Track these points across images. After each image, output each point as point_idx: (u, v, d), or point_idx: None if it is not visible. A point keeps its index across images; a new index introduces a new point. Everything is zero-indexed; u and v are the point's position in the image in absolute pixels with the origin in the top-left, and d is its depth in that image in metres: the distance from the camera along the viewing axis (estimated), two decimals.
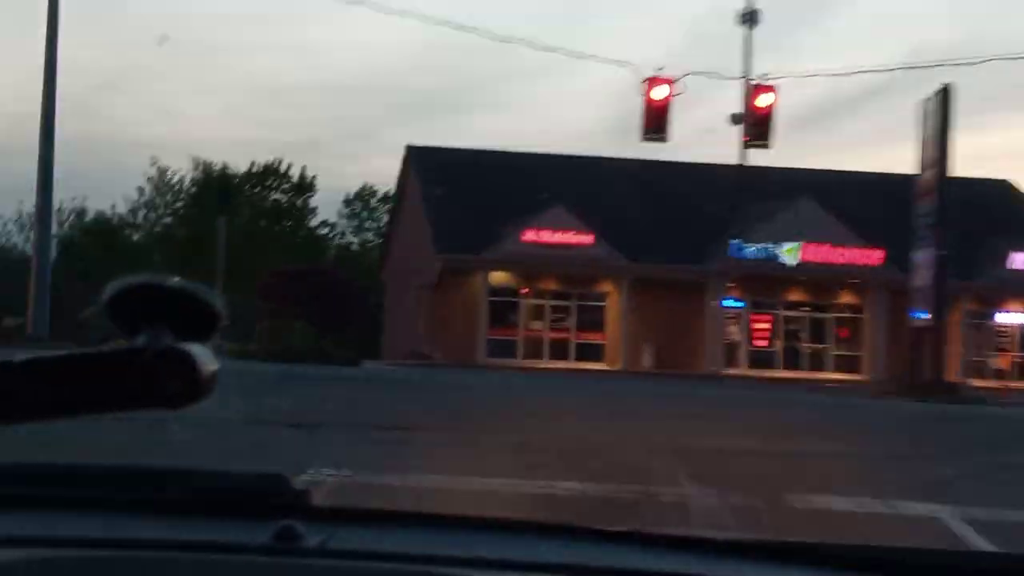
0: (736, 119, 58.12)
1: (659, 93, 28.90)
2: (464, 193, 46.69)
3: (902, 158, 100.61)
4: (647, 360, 45.12)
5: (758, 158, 52.88)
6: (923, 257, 35.41)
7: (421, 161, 49.20)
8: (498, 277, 45.30)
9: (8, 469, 1.86)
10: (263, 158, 68.01)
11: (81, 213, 66.57)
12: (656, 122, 29.31)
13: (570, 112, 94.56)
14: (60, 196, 67.72)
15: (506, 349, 44.95)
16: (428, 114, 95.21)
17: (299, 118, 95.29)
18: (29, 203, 65.59)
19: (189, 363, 1.22)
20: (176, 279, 1.26)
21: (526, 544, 1.84)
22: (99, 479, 1.85)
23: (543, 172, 47.75)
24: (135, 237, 64.86)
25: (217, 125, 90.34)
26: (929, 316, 34.75)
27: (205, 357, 1.24)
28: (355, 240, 71.97)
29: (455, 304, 44.94)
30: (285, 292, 32.39)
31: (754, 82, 30.13)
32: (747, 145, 31.28)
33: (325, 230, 71.12)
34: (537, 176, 47.44)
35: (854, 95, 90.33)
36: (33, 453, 2.03)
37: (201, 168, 61.51)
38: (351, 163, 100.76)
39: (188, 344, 1.24)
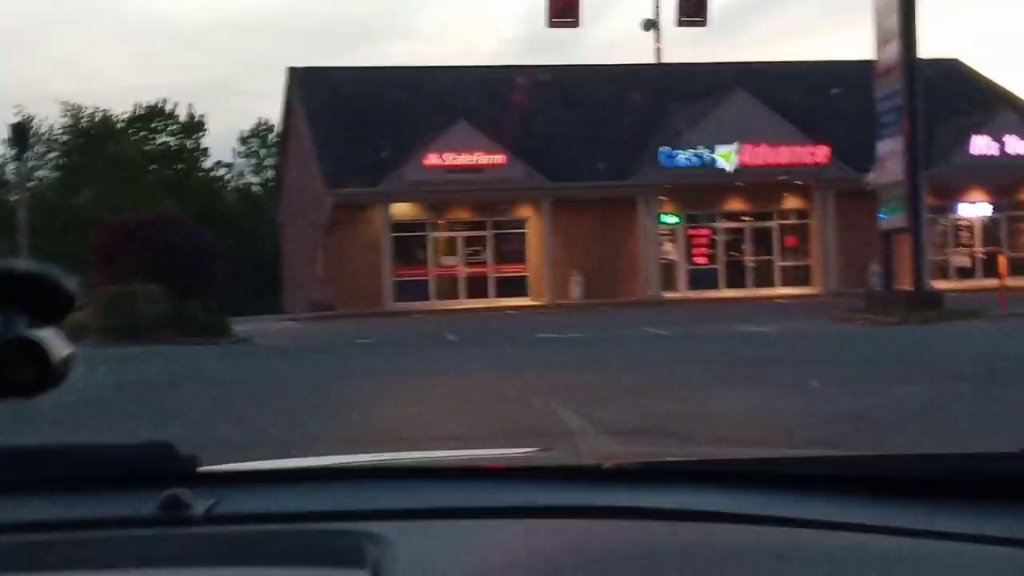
0: (649, 25, 51.84)
1: None
2: (356, 118, 39.80)
3: (841, 45, 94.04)
4: (576, 290, 38.72)
5: (680, 55, 46.29)
6: (888, 148, 28.90)
7: (305, 85, 41.98)
8: (400, 210, 38.47)
9: None
10: (152, 101, 60.39)
11: None
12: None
13: (483, 34, 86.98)
14: None
15: (416, 290, 38.32)
16: (333, 45, 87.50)
17: (193, 58, 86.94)
18: None
19: (41, 351, 1.18)
20: (24, 261, 1.20)
21: (425, 490, 1.73)
22: None
23: (445, 88, 40.98)
24: (11, 197, 56.87)
25: (105, 72, 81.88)
26: (902, 216, 28.32)
27: (58, 343, 1.20)
28: (256, 180, 64.46)
29: (354, 245, 38.13)
30: (122, 251, 25.13)
31: None
32: (681, 23, 24.38)
33: (222, 171, 63.57)
34: (438, 94, 40.72)
35: None
36: None
37: (71, 114, 53.89)
38: (253, 102, 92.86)
39: (39, 330, 1.19)
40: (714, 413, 9.85)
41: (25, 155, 23.52)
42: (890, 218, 29.09)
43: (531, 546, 1.50)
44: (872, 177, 29.13)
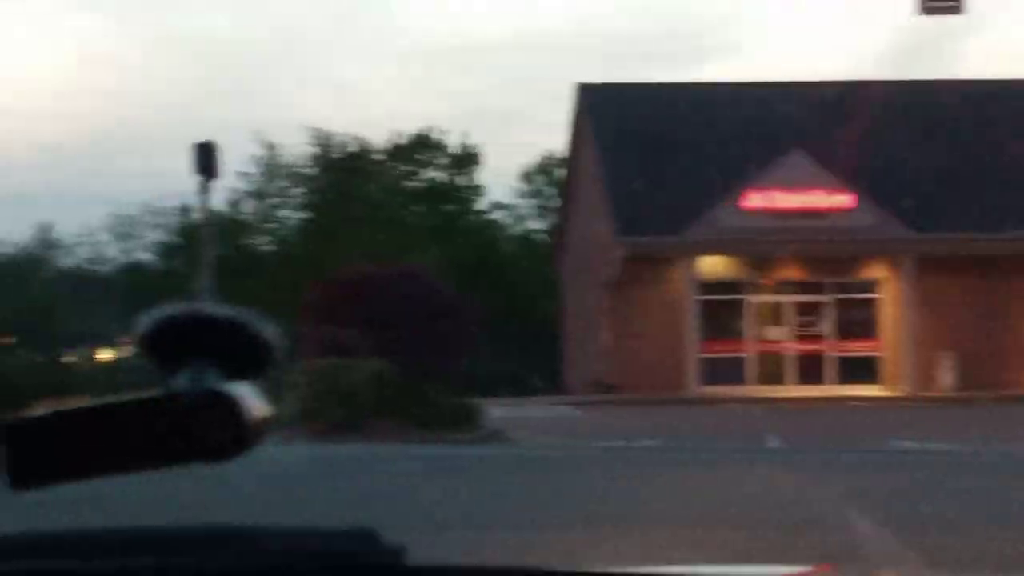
0: None
1: None
2: (657, 147, 37.07)
3: None
4: (946, 378, 34.51)
5: None
6: None
7: (596, 107, 39.42)
8: (711, 266, 35.30)
9: (52, 538, 1.70)
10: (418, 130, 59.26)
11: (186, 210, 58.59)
12: None
13: (826, 50, 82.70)
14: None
15: (729, 371, 35.09)
16: (633, 68, 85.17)
17: (470, 83, 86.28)
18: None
19: (233, 408, 1.20)
20: (220, 307, 1.24)
21: None
22: (153, 545, 1.69)
23: (772, 110, 37.64)
24: (255, 239, 56.71)
25: (365, 98, 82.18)
26: None
27: (254, 400, 1.22)
28: (540, 226, 62.47)
29: (649, 309, 35.20)
30: (342, 312, 22.79)
31: None
32: (927, 10, 20.11)
33: (499, 214, 61.94)
34: (764, 116, 37.50)
35: None
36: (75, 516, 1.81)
37: (320, 143, 52.90)
38: (539, 133, 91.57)
39: (234, 385, 1.22)
40: None
41: (210, 182, 21.60)
42: None
43: None
44: None
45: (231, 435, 1.19)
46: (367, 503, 13.15)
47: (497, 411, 27.26)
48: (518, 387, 40.93)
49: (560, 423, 28.30)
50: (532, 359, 46.99)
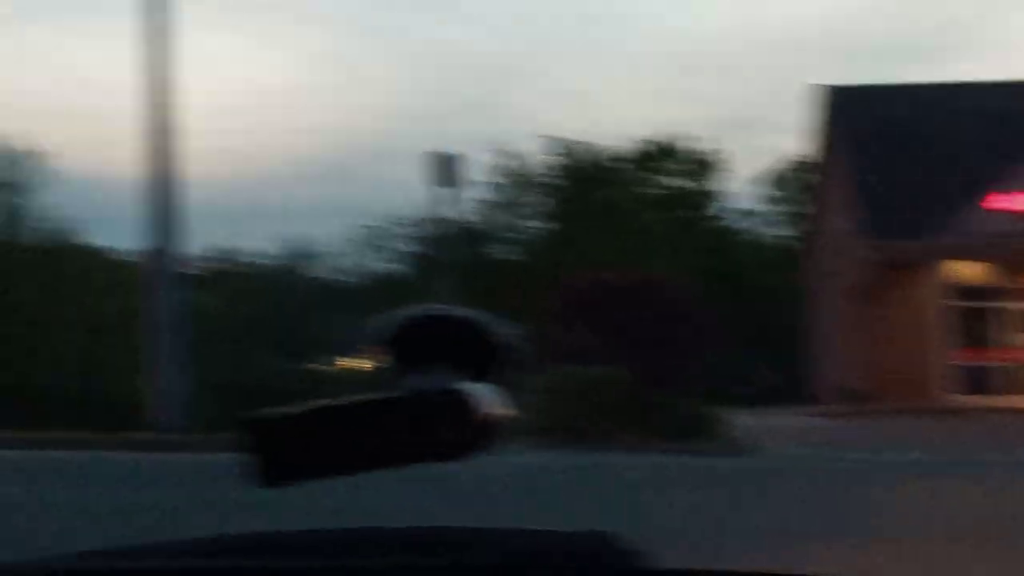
0: None
1: None
2: (907, 150, 35.97)
3: None
4: None
5: None
6: None
7: (845, 109, 38.48)
8: (964, 270, 34.04)
9: (295, 537, 1.70)
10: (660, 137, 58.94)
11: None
12: None
13: None
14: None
15: (984, 380, 33.85)
16: (892, 67, 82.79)
17: (717, 87, 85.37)
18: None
19: (470, 408, 1.22)
20: (459, 307, 1.28)
21: None
22: (395, 545, 1.69)
23: None
24: (497, 247, 57.16)
25: (603, 104, 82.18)
26: None
27: (491, 401, 1.24)
28: (786, 233, 61.42)
29: (900, 315, 34.13)
30: (580, 319, 22.67)
31: None
32: None
33: (744, 221, 61.18)
34: (1020, 114, 35.91)
35: None
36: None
37: (566, 153, 52.85)
38: (788, 137, 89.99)
39: (472, 386, 1.24)
40: None
41: (452, 192, 21.76)
42: None
43: None
44: None
45: (467, 435, 1.21)
46: (606, 509, 13.00)
47: (740, 420, 26.74)
48: (761, 396, 40.22)
49: (807, 432, 27.54)
50: (776, 367, 46.19)
